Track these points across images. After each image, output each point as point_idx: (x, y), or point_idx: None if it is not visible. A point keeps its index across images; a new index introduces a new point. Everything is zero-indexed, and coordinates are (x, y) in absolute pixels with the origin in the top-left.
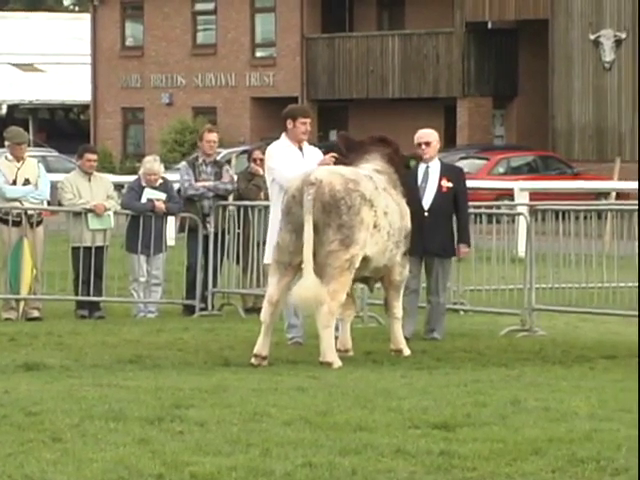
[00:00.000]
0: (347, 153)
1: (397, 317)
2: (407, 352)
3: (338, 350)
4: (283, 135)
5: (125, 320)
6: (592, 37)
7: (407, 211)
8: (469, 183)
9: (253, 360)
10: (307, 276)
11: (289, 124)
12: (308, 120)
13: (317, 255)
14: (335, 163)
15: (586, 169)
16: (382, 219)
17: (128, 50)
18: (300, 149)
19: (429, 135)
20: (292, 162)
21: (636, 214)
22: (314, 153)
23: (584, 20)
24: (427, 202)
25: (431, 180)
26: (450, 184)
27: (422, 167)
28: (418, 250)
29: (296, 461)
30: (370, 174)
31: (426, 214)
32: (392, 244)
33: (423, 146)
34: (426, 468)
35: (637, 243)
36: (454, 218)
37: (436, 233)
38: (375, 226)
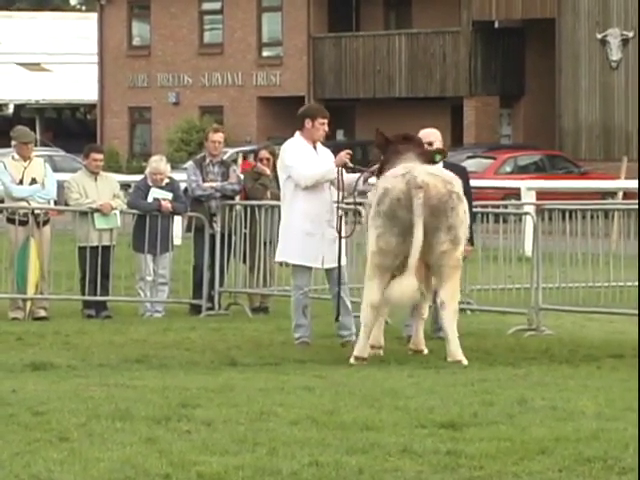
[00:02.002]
0: (382, 152)
1: (423, 318)
2: (426, 351)
3: (371, 346)
4: (298, 134)
5: (132, 319)
6: (599, 36)
7: None
8: (476, 182)
9: (353, 361)
10: (409, 276)
11: (307, 123)
12: (326, 120)
13: (427, 258)
14: (350, 161)
15: (593, 168)
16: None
17: (135, 49)
18: (314, 148)
19: (431, 135)
20: (308, 160)
21: None
22: (326, 153)
23: (591, 19)
24: None
25: None
26: None
27: None
28: None
29: (303, 460)
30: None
31: None
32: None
33: (426, 146)
34: (433, 467)
35: (637, 242)
36: None
37: None
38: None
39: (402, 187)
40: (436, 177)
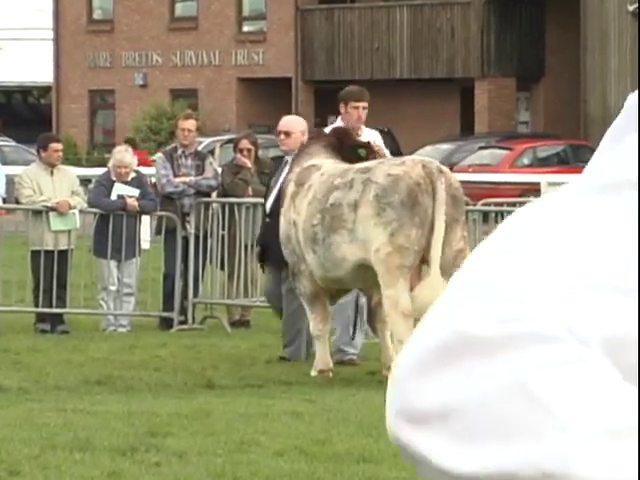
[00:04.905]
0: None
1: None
2: None
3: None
4: (339, 119)
5: (93, 335)
6: (630, 8)
7: None
8: (490, 177)
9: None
10: (435, 275)
11: (342, 108)
12: (361, 104)
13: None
14: None
15: None
16: None
17: (96, 24)
18: (357, 136)
19: (291, 124)
20: None
21: None
22: (373, 137)
23: None
24: (269, 204)
25: (281, 177)
26: None
27: (284, 161)
28: (261, 259)
29: None
30: None
31: (267, 219)
32: None
33: (282, 136)
34: None
35: (637, 245)
36: None
37: (276, 242)
38: None
39: (419, 171)
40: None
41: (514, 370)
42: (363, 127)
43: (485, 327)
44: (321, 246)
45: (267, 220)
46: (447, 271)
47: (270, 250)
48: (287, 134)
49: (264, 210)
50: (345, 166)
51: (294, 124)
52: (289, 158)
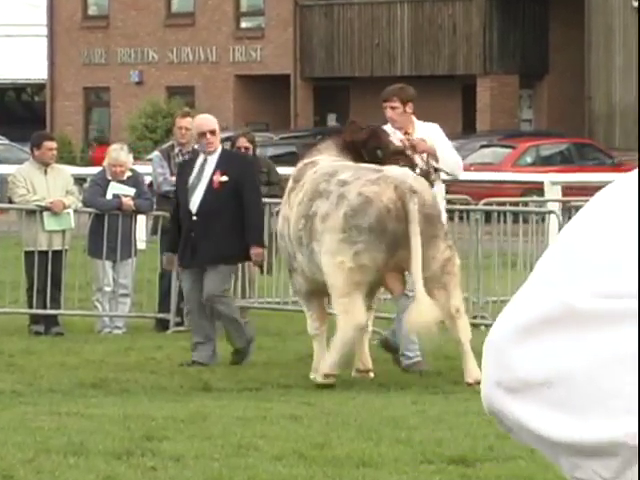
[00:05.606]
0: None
1: (368, 331)
2: (372, 375)
3: (358, 370)
4: None
5: (87, 337)
6: (635, 4)
7: None
8: (492, 176)
9: (322, 379)
10: (422, 298)
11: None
12: (387, 104)
13: (425, 270)
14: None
15: (629, 159)
16: None
17: (91, 20)
18: (406, 134)
19: (213, 122)
20: None
21: None
22: (428, 132)
23: None
24: (195, 203)
25: (205, 175)
26: (225, 178)
27: (200, 160)
28: (185, 260)
29: None
30: None
31: (194, 218)
32: None
33: (208, 135)
34: None
35: (637, 246)
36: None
37: (206, 240)
38: None
39: (391, 195)
40: (417, 179)
41: (627, 344)
42: (416, 122)
43: (592, 301)
44: (305, 250)
45: (194, 219)
46: (437, 282)
47: (197, 250)
48: (213, 133)
49: (188, 210)
50: (337, 165)
51: (214, 123)
52: (210, 157)
